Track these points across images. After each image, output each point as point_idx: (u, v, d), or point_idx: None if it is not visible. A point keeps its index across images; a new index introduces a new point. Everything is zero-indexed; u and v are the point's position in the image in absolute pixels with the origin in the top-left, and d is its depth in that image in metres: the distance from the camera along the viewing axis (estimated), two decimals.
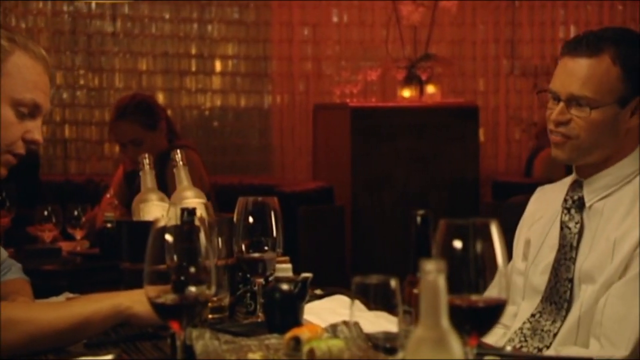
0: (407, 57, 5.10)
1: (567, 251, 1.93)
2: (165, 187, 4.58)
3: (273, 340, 1.48)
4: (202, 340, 1.43)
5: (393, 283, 1.18)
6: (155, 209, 2.02)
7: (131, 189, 4.13)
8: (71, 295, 2.08)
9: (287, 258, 1.71)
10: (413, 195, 4.63)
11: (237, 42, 5.60)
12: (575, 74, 1.89)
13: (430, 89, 4.95)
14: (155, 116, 3.81)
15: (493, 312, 1.16)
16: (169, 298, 1.30)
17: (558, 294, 1.91)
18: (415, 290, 1.33)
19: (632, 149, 1.94)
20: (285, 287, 1.63)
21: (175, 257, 1.31)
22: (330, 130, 4.96)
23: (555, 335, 1.89)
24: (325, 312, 1.76)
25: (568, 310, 1.89)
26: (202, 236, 1.31)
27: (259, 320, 1.81)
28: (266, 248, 1.85)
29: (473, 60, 5.73)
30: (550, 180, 4.41)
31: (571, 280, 1.90)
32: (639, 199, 1.88)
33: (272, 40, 5.59)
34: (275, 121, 5.56)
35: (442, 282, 1.02)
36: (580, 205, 1.95)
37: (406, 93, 4.92)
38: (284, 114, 5.56)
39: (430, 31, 5.18)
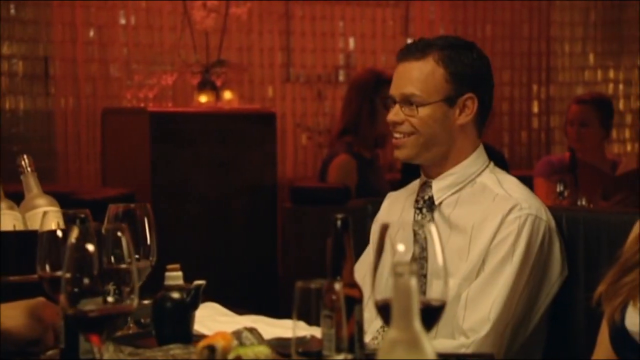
0: (200, 63, 5.07)
1: (421, 249, 2.02)
2: None
3: (177, 350, 1.44)
4: (107, 353, 1.36)
5: (337, 287, 1.19)
6: (5, 218, 1.89)
7: None
8: None
9: (177, 265, 1.65)
10: (214, 201, 4.62)
11: (15, 41, 5.29)
12: (405, 75, 2.05)
13: (227, 95, 4.95)
14: None
15: (435, 313, 1.20)
16: (90, 310, 1.22)
17: None
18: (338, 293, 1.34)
19: (473, 148, 2.08)
20: (176, 295, 1.58)
21: (96, 266, 1.24)
22: (124, 135, 4.82)
23: None
24: (207, 320, 1.72)
25: None
26: (125, 243, 1.25)
27: (130, 332, 1.74)
28: (137, 257, 1.79)
29: (261, 68, 5.80)
30: (345, 185, 4.58)
31: (425, 276, 2.00)
32: (485, 196, 2.02)
33: (54, 40, 5.33)
34: (59, 125, 5.29)
35: (414, 283, 1.04)
36: (430, 204, 2.07)
37: (203, 99, 4.88)
38: (68, 118, 5.31)
39: (222, 37, 5.18)
